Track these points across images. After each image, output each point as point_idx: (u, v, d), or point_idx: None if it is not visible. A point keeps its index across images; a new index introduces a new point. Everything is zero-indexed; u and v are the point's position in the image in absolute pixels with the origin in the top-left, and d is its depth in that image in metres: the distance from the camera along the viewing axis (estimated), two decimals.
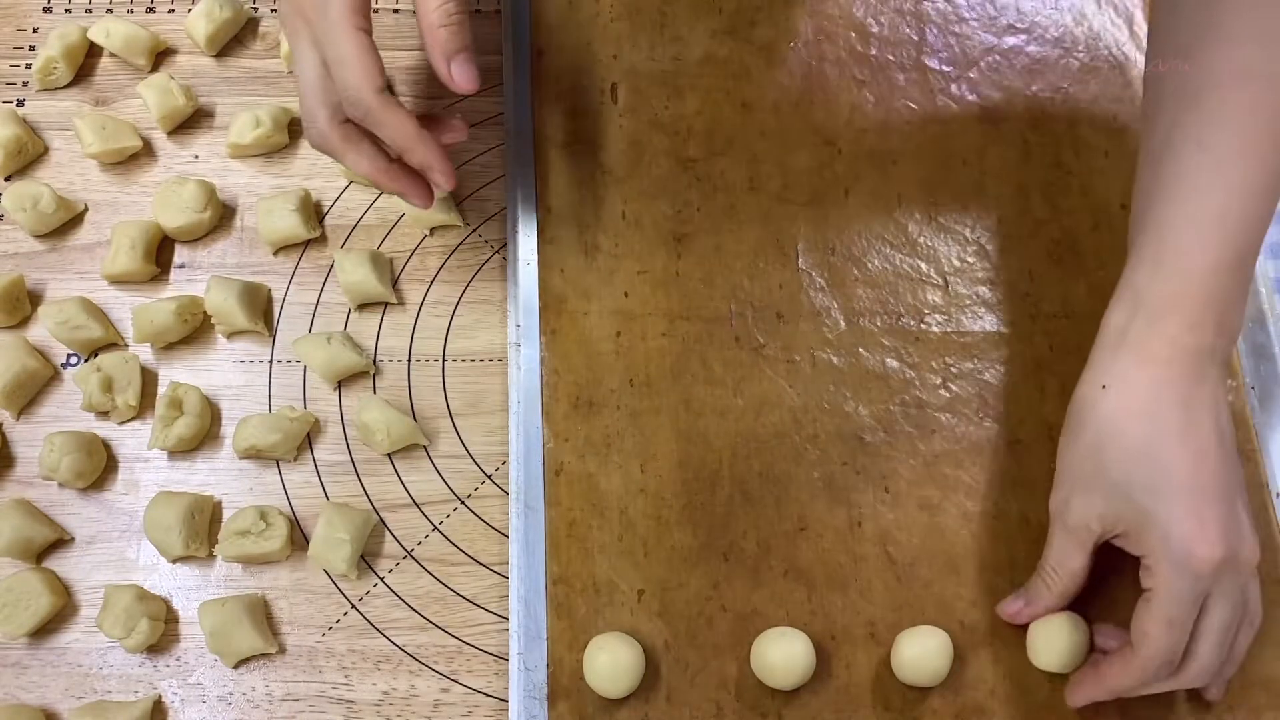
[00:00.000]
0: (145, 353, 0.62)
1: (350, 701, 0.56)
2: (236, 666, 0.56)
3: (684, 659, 0.55)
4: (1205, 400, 0.48)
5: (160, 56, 0.69)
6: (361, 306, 0.63)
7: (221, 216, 0.65)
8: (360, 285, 0.62)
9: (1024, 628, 0.55)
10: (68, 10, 0.70)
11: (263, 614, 0.57)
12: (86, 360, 0.62)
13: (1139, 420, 0.48)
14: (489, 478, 0.60)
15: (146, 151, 0.67)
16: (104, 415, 0.61)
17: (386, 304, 0.63)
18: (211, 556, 0.58)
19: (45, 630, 0.57)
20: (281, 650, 0.57)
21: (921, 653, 0.53)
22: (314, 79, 0.52)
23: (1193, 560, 0.46)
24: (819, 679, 0.55)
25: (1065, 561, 0.51)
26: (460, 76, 0.50)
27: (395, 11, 0.70)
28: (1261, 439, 0.59)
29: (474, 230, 0.65)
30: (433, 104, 0.68)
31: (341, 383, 0.62)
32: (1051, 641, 0.54)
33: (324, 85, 0.52)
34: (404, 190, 0.56)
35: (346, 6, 0.50)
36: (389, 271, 0.64)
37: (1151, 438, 0.48)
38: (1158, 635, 0.47)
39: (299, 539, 0.59)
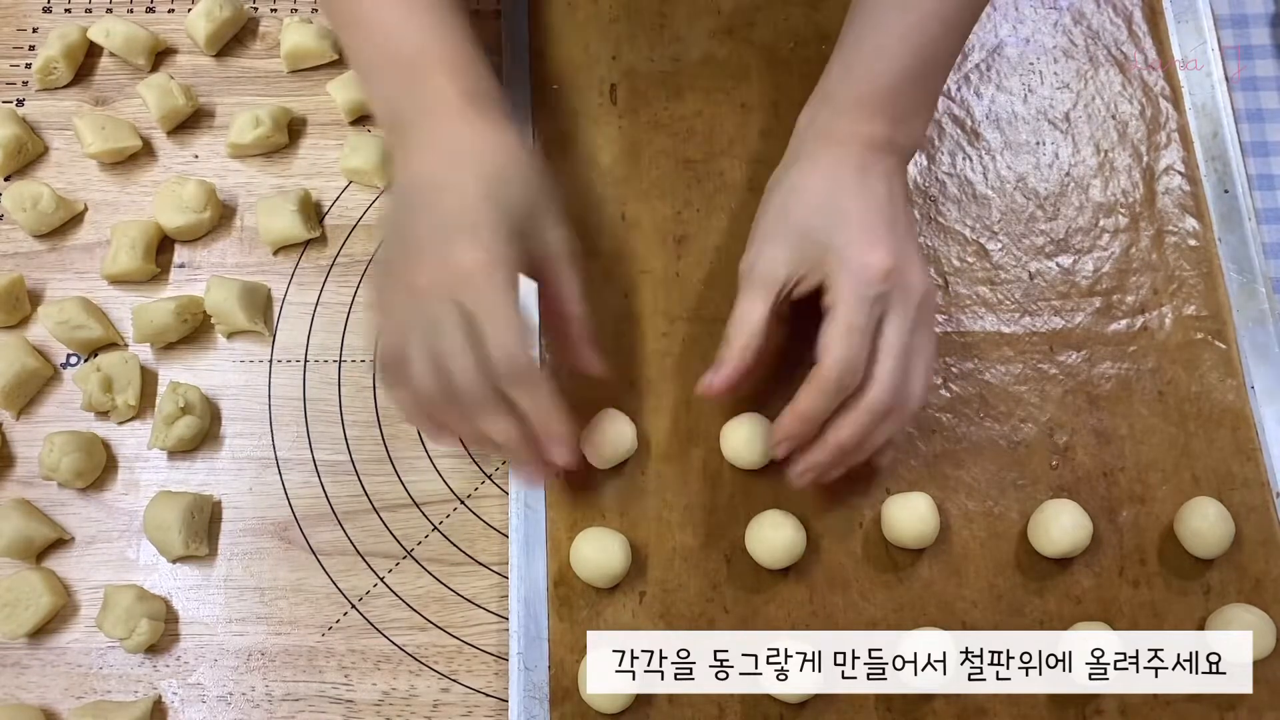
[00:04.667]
0: (145, 353, 0.62)
1: (350, 701, 0.56)
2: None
3: None
4: (879, 172, 0.54)
5: (160, 56, 0.69)
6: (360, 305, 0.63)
7: (221, 216, 0.65)
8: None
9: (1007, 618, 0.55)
10: (68, 10, 0.70)
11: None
12: (86, 360, 0.62)
13: (821, 180, 0.54)
14: (489, 478, 0.60)
15: (146, 151, 0.67)
16: (104, 415, 0.61)
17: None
18: (211, 556, 0.58)
19: (45, 630, 0.57)
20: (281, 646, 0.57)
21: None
22: (460, 337, 0.48)
23: (866, 269, 0.51)
24: None
25: (749, 314, 0.54)
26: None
27: None
28: (1262, 439, 0.59)
29: None
30: None
31: (342, 384, 0.62)
32: None
33: (468, 340, 0.48)
34: (532, 465, 0.53)
35: (503, 258, 0.49)
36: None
37: (831, 192, 0.53)
38: (839, 342, 0.51)
39: (299, 539, 0.59)
